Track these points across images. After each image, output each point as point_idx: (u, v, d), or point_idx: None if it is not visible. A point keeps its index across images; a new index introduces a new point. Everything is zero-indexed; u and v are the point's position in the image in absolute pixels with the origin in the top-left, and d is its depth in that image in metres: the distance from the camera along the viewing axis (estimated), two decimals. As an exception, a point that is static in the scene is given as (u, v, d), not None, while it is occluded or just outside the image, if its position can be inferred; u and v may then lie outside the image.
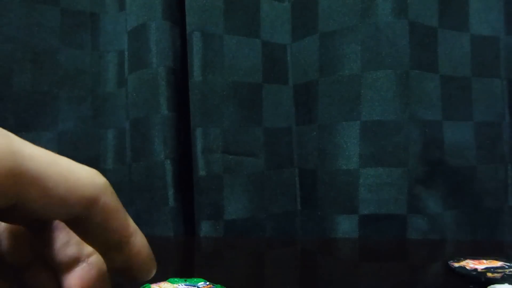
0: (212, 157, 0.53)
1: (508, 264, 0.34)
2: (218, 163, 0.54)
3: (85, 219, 0.15)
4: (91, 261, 0.17)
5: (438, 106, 0.53)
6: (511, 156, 0.55)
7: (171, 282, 0.29)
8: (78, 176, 0.14)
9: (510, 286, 0.28)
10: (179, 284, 0.29)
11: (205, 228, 0.53)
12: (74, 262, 0.17)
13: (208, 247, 0.51)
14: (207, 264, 0.42)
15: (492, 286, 0.28)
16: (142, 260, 0.16)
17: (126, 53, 0.58)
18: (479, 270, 0.33)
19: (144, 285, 0.28)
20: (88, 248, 0.18)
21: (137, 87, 0.56)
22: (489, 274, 0.31)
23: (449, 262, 0.36)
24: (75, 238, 0.17)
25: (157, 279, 0.29)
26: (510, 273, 0.32)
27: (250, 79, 0.56)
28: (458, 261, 0.36)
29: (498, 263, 0.35)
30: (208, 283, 0.29)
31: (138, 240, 0.16)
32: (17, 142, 0.13)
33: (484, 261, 0.35)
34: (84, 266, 0.17)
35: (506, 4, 0.56)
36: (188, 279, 0.30)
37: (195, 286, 0.28)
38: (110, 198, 0.15)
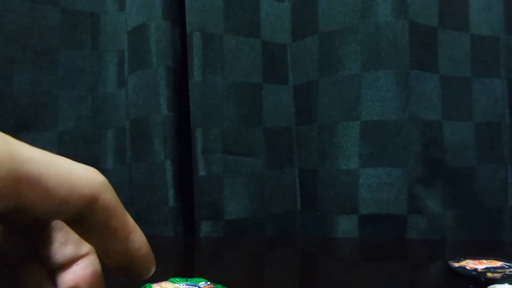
0: (212, 157, 0.53)
1: (508, 264, 0.34)
2: (218, 163, 0.54)
3: (85, 217, 0.15)
4: (86, 261, 0.18)
5: (438, 106, 0.53)
6: (511, 156, 0.56)
7: (172, 282, 0.29)
8: (78, 175, 0.14)
9: (510, 286, 0.28)
10: (180, 284, 0.29)
11: (205, 228, 0.53)
12: (71, 261, 0.18)
13: (208, 247, 0.51)
14: (207, 264, 0.42)
15: (492, 286, 0.28)
16: (142, 257, 0.16)
17: (126, 53, 0.58)
18: (479, 270, 0.33)
19: (145, 285, 0.28)
20: (85, 248, 0.18)
21: (137, 87, 0.56)
22: (489, 274, 0.31)
23: (449, 262, 0.36)
24: (72, 238, 0.17)
25: (158, 279, 0.29)
26: (510, 273, 0.32)
27: (250, 79, 0.56)
28: (458, 261, 0.36)
29: (498, 263, 0.35)
30: (209, 283, 0.29)
31: (138, 237, 0.16)
32: (16, 145, 0.13)
33: (484, 261, 0.35)
34: (80, 266, 0.18)
35: (506, 4, 0.56)
36: (189, 279, 0.30)
37: (196, 286, 0.29)
38: (109, 196, 0.15)
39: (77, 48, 0.61)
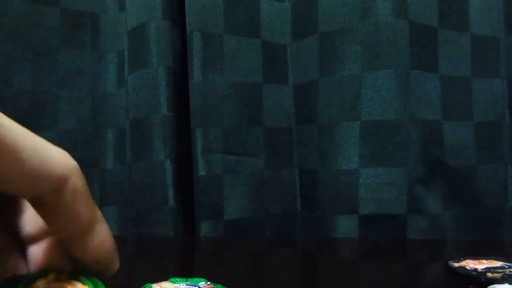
0: (212, 157, 0.53)
1: (508, 264, 0.34)
2: (218, 163, 0.54)
3: (53, 198, 0.14)
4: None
5: (438, 106, 0.53)
6: (511, 156, 0.56)
7: (172, 282, 0.29)
8: (51, 153, 0.14)
9: (510, 286, 0.28)
10: (180, 284, 0.29)
11: (205, 228, 0.53)
12: (43, 234, 0.17)
13: (208, 247, 0.51)
14: (207, 264, 0.42)
15: (492, 286, 0.28)
16: (105, 251, 0.16)
17: (126, 53, 0.58)
18: (479, 270, 0.33)
19: (145, 285, 0.28)
20: None
21: (137, 87, 0.56)
22: (489, 274, 0.31)
23: (449, 262, 0.36)
24: None
25: (158, 279, 0.29)
26: (510, 273, 0.32)
27: (250, 79, 0.56)
28: (458, 261, 0.36)
29: (498, 263, 0.35)
30: (209, 283, 0.29)
31: (104, 229, 0.16)
32: None
33: (484, 261, 0.35)
34: (52, 238, 0.17)
35: (506, 4, 0.56)
36: (189, 279, 0.30)
37: (196, 286, 0.29)
38: (80, 181, 0.15)
39: (77, 48, 0.61)
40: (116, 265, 0.17)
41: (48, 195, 0.14)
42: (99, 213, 0.16)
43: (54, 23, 0.59)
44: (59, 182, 0.14)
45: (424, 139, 0.51)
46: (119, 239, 0.56)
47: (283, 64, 0.58)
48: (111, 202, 0.61)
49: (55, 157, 0.14)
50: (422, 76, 0.52)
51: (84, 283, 0.16)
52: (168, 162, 0.54)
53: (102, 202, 0.61)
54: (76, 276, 0.16)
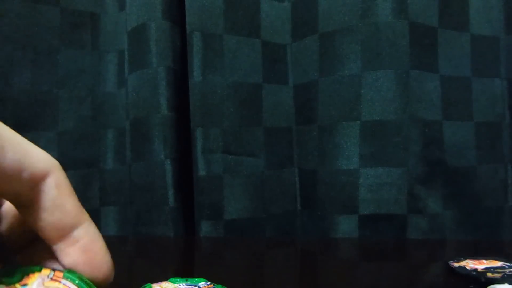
0: (212, 157, 0.53)
1: (508, 264, 0.34)
2: (218, 163, 0.54)
3: (38, 194, 0.14)
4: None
5: (438, 106, 0.53)
6: (511, 156, 0.56)
7: (172, 282, 0.29)
8: (33, 149, 0.14)
9: (510, 286, 0.28)
10: (180, 284, 0.29)
11: (205, 228, 0.53)
12: (29, 241, 0.16)
13: (208, 247, 0.51)
14: (208, 264, 0.42)
15: (492, 286, 0.28)
16: (96, 251, 0.15)
17: (126, 53, 0.58)
18: (479, 270, 0.33)
19: (145, 285, 0.28)
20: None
21: (137, 87, 0.56)
22: (489, 274, 0.31)
23: (449, 262, 0.36)
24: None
25: (158, 279, 0.29)
26: (510, 273, 0.32)
27: (250, 79, 0.56)
28: (458, 261, 0.36)
29: (498, 263, 0.35)
30: (209, 283, 0.29)
31: (92, 229, 0.15)
32: None
33: (484, 261, 0.35)
34: (39, 246, 0.16)
35: (506, 4, 0.56)
36: (189, 279, 0.30)
37: (196, 286, 0.29)
38: (62, 175, 0.15)
39: (77, 48, 0.61)
40: (111, 271, 0.16)
41: (31, 191, 0.14)
42: (86, 215, 0.15)
43: (54, 23, 0.59)
44: (42, 176, 0.14)
45: (424, 139, 0.51)
46: (119, 239, 0.56)
47: (283, 64, 0.58)
48: (111, 202, 0.61)
49: (38, 152, 0.14)
50: (422, 76, 0.52)
51: (79, 286, 0.15)
52: (168, 162, 0.54)
53: (102, 202, 0.61)
54: (70, 277, 0.16)
